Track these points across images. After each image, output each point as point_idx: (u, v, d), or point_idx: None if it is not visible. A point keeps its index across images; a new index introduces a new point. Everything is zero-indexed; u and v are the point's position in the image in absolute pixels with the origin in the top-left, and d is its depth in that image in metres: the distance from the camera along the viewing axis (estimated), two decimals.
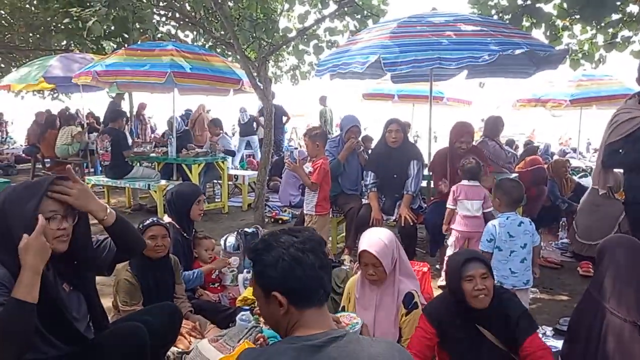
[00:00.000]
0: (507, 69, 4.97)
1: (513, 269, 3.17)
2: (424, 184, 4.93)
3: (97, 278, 2.18)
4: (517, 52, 3.80)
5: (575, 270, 4.43)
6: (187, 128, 8.49)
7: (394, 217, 4.53)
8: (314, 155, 4.45)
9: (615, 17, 5.38)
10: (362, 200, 4.88)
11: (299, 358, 1.20)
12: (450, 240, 4.04)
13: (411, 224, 4.30)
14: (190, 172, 6.68)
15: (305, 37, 7.49)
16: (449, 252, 4.05)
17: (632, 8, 5.34)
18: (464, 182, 3.98)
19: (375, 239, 2.52)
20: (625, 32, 5.77)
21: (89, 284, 2.11)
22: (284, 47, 7.60)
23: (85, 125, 9.47)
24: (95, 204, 1.95)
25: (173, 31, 9.87)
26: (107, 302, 2.93)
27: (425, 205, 4.72)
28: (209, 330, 3.06)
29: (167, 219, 3.54)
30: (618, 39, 5.83)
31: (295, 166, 4.54)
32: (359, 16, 6.83)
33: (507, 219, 3.23)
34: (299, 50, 7.90)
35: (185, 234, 3.60)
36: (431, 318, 2.29)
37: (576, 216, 4.67)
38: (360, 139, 5.23)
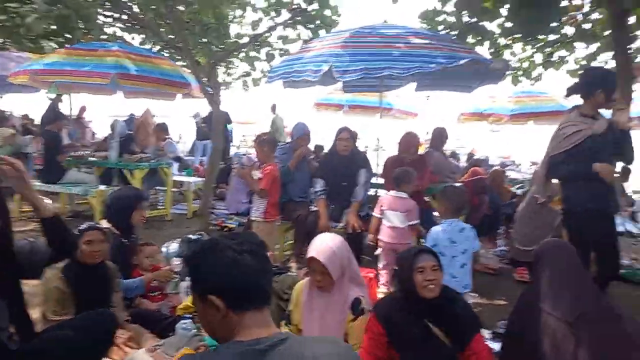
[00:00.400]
0: (452, 82, 5.15)
1: (454, 274, 3.25)
2: (372, 192, 4.99)
3: (25, 288, 2.03)
4: (462, 61, 3.95)
5: (512, 276, 4.61)
6: (130, 132, 8.17)
7: (341, 224, 4.54)
8: (263, 161, 4.40)
9: (552, 37, 5.74)
10: (311, 207, 4.87)
11: None
12: (379, 251, 4.09)
13: (358, 231, 4.32)
14: (133, 177, 6.42)
15: (257, 44, 7.45)
16: (380, 265, 4.10)
17: (568, 30, 5.72)
18: (391, 192, 4.05)
19: (324, 246, 2.49)
20: (562, 52, 6.16)
21: (13, 291, 1.96)
22: (235, 53, 7.50)
23: (19, 127, 8.92)
24: (37, 194, 1.98)
25: (119, 33, 9.52)
26: (35, 313, 2.73)
27: (373, 213, 4.77)
28: (147, 341, 2.92)
29: (105, 224, 3.37)
30: (555, 58, 6.22)
31: (244, 172, 4.47)
32: (312, 26, 6.87)
33: (449, 225, 3.31)
34: (250, 57, 7.84)
35: (125, 240, 3.44)
36: (379, 317, 2.31)
37: (514, 224, 4.88)
38: (313, 148, 5.25)
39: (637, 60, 4.61)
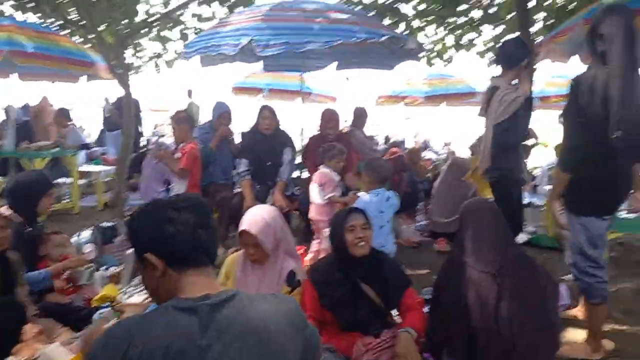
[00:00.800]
0: (372, 60, 5.23)
1: (382, 243, 3.30)
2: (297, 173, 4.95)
3: None
4: (383, 38, 4.00)
5: (433, 248, 4.82)
6: (27, 119, 7.39)
7: (268, 205, 4.46)
8: (182, 139, 4.19)
9: (461, 20, 6.06)
10: (234, 189, 4.73)
11: (180, 319, 1.10)
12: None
13: (285, 210, 4.27)
14: (33, 167, 5.82)
15: (170, 23, 7.05)
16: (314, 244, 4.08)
17: (476, 13, 6.06)
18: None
19: (257, 218, 2.44)
20: (471, 35, 6.52)
21: None
22: (145, 31, 7.02)
23: None
24: None
25: (9, 13, 8.53)
26: None
27: (299, 192, 4.74)
28: (62, 335, 2.65)
29: (5, 210, 3.01)
30: (464, 41, 6.56)
31: (161, 153, 4.23)
32: (228, 3, 6.64)
33: (377, 195, 3.37)
34: (162, 37, 7.40)
35: (30, 228, 3.10)
36: (313, 278, 2.36)
37: (432, 199, 5.13)
38: (240, 137, 5.07)
39: (537, 40, 4.96)
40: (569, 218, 2.57)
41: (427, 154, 8.04)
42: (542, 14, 5.61)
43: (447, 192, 4.87)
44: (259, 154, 4.52)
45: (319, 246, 3.89)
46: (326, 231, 3.59)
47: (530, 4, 5.13)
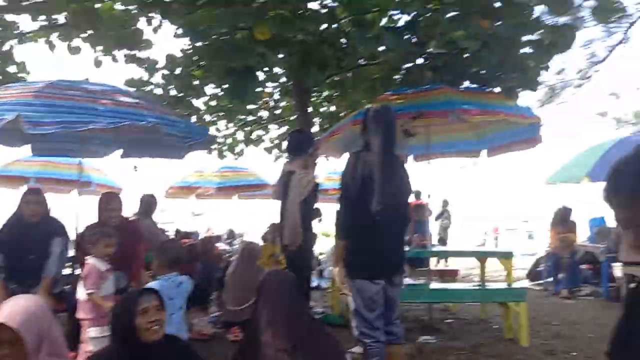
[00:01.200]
0: (162, 149, 5.03)
1: (172, 332, 3.00)
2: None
3: None
4: (173, 129, 3.91)
5: (226, 338, 4.65)
6: None
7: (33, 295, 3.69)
8: None
9: (250, 118, 6.58)
10: None
11: None
12: None
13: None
14: None
15: None
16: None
17: (264, 113, 6.65)
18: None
19: (16, 309, 2.00)
20: (259, 132, 7.07)
21: None
22: None
23: None
24: None
25: None
26: None
27: (70, 290, 4.09)
28: None
29: None
30: (254, 136, 7.05)
31: None
32: None
33: (167, 280, 3.10)
34: None
35: None
36: None
37: (224, 288, 5.05)
38: None
39: (315, 139, 5.65)
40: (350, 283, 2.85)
41: (220, 245, 7.94)
42: (318, 118, 6.48)
43: (240, 280, 4.85)
44: (20, 245, 3.82)
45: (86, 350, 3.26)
46: (92, 331, 3.12)
47: (309, 109, 5.89)
